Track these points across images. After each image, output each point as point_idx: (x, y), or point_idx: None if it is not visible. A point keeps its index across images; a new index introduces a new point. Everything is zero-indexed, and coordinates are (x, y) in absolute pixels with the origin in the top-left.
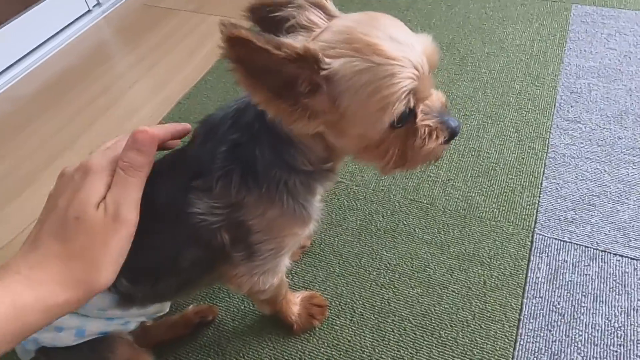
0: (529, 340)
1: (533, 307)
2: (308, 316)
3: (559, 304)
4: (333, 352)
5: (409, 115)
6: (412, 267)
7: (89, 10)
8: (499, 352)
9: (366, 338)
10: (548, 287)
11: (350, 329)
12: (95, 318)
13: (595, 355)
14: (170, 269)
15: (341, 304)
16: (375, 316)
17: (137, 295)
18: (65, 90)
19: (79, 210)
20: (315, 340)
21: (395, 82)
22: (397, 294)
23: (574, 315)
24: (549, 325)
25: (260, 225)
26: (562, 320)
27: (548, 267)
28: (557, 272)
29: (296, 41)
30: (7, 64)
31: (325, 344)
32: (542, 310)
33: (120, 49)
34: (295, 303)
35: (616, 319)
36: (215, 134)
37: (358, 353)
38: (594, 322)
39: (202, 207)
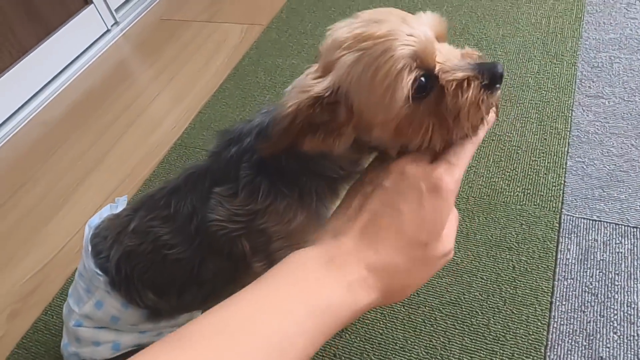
0: (562, 322)
1: (565, 289)
2: None
3: (591, 284)
4: (366, 346)
5: (430, 81)
6: None
7: (108, 30)
8: (533, 336)
9: (398, 330)
10: (579, 268)
11: (381, 322)
12: (128, 332)
13: (632, 333)
14: (194, 280)
15: None
16: (406, 308)
17: (164, 308)
18: (91, 110)
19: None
20: (347, 335)
21: (390, 55)
22: (425, 284)
23: (607, 295)
24: (583, 306)
25: (282, 232)
26: (596, 300)
27: (578, 247)
28: (587, 252)
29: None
30: (35, 90)
31: (358, 339)
32: (575, 291)
33: (140, 64)
34: None
35: None
36: (240, 143)
37: (391, 345)
38: (630, 300)
39: (222, 215)
